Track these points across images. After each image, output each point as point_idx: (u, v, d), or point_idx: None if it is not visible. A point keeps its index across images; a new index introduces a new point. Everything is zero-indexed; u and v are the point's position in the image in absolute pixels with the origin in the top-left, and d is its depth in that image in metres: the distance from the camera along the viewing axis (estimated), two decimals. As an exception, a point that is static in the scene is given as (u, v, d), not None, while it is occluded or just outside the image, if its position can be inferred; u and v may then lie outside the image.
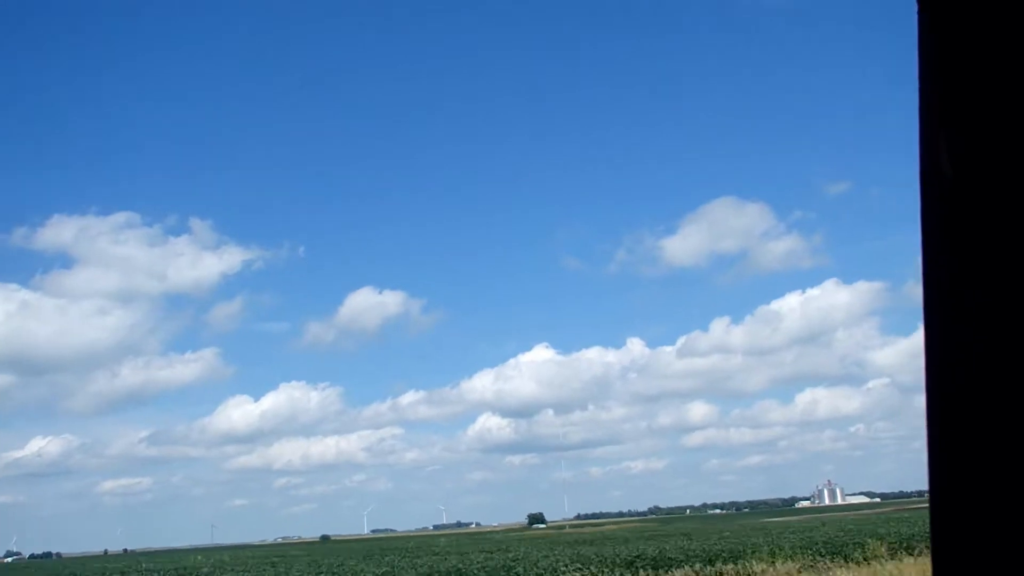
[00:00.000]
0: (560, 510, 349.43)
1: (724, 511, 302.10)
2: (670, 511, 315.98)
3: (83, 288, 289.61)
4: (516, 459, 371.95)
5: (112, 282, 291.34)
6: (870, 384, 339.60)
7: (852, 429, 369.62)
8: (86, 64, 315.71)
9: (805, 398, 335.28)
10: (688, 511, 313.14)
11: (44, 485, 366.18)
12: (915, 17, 1.50)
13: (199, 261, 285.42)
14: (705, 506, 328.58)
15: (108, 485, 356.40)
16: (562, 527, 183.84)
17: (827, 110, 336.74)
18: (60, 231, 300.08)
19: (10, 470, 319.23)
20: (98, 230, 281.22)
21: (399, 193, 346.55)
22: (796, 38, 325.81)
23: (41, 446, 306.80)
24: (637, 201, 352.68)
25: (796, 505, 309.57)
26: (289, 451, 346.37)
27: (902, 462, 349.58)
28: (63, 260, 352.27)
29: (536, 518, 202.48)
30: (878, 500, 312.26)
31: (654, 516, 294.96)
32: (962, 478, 1.35)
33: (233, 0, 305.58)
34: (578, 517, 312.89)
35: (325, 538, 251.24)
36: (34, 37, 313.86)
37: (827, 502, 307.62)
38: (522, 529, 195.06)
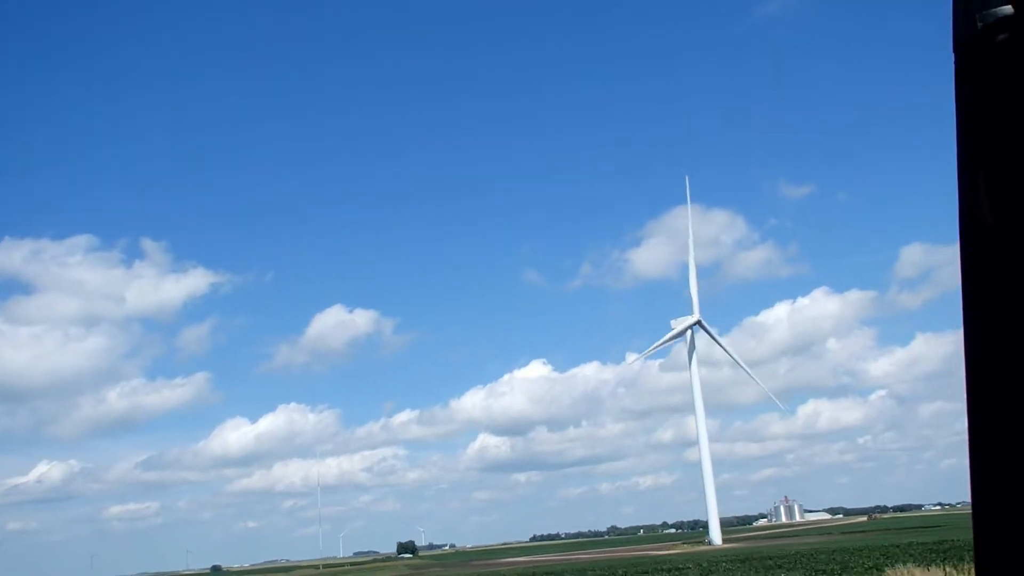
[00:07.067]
0: (566, 527, 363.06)
1: (679, 531, 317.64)
2: (625, 531, 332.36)
3: (47, 314, 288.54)
4: (521, 477, 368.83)
5: (74, 307, 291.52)
6: (873, 396, 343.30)
7: (860, 441, 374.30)
8: (35, 83, 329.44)
9: (807, 410, 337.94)
10: (641, 531, 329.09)
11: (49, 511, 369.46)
12: (950, 63, 1.52)
13: (161, 284, 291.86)
14: (665, 524, 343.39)
15: (115, 510, 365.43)
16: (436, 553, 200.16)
17: (784, 114, 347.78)
18: (11, 255, 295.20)
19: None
20: (52, 253, 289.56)
21: (368, 213, 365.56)
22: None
23: (43, 472, 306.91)
24: (599, 214, 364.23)
25: (754, 524, 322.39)
26: (291, 472, 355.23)
27: (912, 473, 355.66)
28: (21, 286, 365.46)
29: (406, 547, 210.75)
30: (840, 516, 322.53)
31: (608, 536, 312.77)
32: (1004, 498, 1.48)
33: (196, 19, 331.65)
34: (534, 538, 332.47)
35: (216, 568, 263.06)
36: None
37: (784, 520, 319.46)
38: (386, 559, 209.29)
